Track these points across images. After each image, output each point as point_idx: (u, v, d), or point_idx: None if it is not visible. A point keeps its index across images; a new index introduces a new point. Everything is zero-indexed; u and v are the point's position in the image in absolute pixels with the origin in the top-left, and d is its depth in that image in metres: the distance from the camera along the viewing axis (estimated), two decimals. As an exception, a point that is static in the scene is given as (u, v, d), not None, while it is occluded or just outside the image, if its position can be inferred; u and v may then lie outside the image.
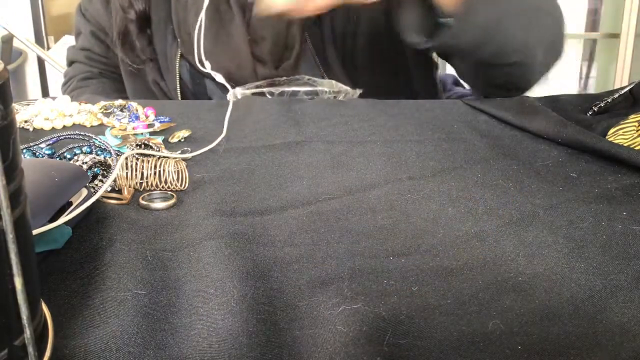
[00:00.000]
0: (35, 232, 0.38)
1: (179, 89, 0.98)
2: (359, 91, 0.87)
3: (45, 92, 2.57)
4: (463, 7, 0.75)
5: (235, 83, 0.93)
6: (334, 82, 0.85)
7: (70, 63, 1.10)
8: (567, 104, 0.77)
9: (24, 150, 0.59)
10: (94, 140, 0.61)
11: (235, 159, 0.61)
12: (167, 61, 0.97)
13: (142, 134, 0.69)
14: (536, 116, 0.67)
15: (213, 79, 0.93)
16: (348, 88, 0.85)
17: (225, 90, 0.92)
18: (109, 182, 0.49)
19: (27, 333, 0.24)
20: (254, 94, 0.86)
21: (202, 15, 0.89)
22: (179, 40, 0.95)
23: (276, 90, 0.86)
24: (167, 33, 0.97)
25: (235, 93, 0.86)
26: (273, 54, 0.92)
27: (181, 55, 0.96)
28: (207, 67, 0.92)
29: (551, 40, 0.82)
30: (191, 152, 0.61)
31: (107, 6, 1.00)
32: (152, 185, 0.53)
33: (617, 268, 0.40)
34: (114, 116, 0.75)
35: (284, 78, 0.88)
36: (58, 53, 2.26)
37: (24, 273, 0.23)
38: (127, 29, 0.96)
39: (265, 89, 0.86)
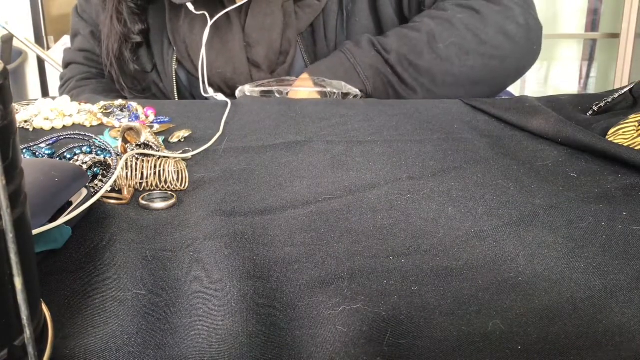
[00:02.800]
0: (35, 232, 0.38)
1: (176, 92, 0.98)
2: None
3: (45, 92, 2.57)
4: None
5: (230, 88, 0.94)
6: (343, 83, 0.84)
7: (67, 65, 1.09)
8: (567, 104, 0.77)
9: (24, 150, 0.59)
10: (94, 140, 0.61)
11: (235, 159, 0.61)
12: (164, 64, 0.98)
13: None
14: (536, 116, 0.67)
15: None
16: (357, 90, 0.85)
17: (224, 95, 0.92)
18: (110, 182, 0.49)
19: (27, 333, 0.24)
20: (262, 91, 0.86)
21: (203, 51, 0.89)
22: (174, 48, 0.96)
23: (285, 89, 0.86)
24: (163, 38, 0.97)
25: (244, 90, 0.86)
26: (269, 59, 0.92)
27: (178, 60, 0.97)
28: (210, 92, 0.92)
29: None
30: (191, 152, 0.61)
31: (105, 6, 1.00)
32: (152, 185, 0.53)
33: (617, 268, 0.40)
34: (114, 116, 0.75)
35: (294, 78, 0.88)
36: (58, 53, 2.26)
37: (24, 273, 0.23)
38: (123, 55, 0.96)
39: (274, 88, 0.86)
